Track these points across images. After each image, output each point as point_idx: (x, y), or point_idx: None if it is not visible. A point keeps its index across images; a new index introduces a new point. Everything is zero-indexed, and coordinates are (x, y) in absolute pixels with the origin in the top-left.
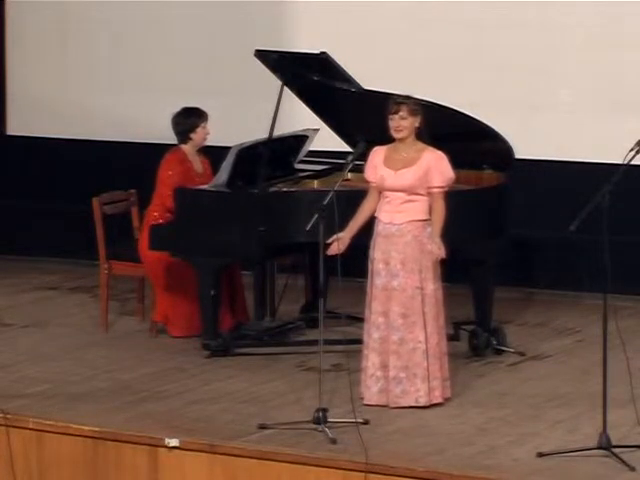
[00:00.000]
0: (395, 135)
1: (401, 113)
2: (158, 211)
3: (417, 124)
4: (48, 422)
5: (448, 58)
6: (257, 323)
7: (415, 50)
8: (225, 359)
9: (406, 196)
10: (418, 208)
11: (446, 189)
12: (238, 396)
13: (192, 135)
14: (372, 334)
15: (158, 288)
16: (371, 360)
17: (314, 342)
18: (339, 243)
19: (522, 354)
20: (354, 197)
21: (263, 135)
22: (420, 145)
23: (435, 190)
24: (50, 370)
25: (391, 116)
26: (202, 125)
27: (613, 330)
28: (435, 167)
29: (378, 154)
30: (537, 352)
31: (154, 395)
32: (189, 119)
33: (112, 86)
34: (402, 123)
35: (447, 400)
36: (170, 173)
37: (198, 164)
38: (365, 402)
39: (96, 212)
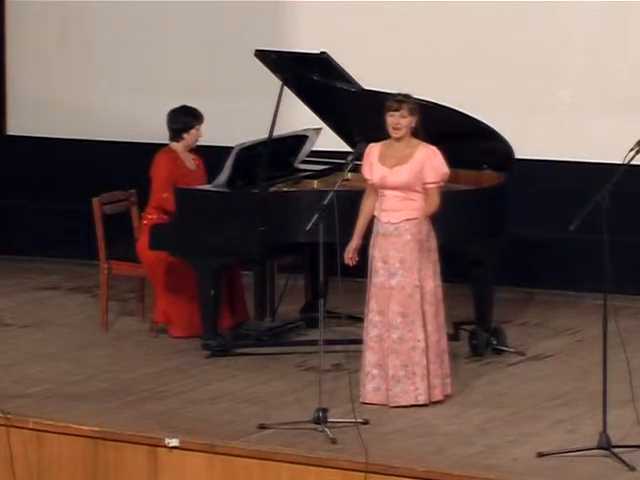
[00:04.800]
0: (394, 133)
1: (402, 111)
2: (155, 213)
3: (414, 124)
4: (48, 422)
5: (448, 58)
6: (257, 323)
7: (415, 50)
8: (225, 359)
9: (403, 194)
10: (415, 206)
11: (441, 184)
12: (238, 396)
13: (185, 135)
14: (369, 332)
15: (158, 288)
16: (367, 358)
17: (314, 342)
18: (354, 254)
19: (522, 354)
20: (354, 197)
21: (263, 135)
22: (414, 141)
23: (430, 186)
24: (50, 370)
25: (391, 113)
26: (196, 127)
27: (613, 330)
28: (429, 163)
29: (373, 151)
30: (537, 352)
31: (154, 395)
32: (186, 118)
33: (112, 86)
34: (402, 121)
35: (447, 397)
36: (163, 174)
37: (190, 162)
38: (361, 400)
39: (96, 212)
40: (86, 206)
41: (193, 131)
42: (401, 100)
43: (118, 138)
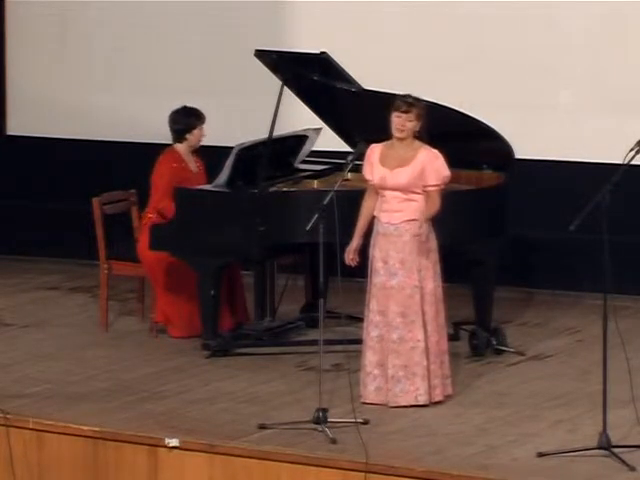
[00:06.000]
0: (397, 134)
1: (409, 115)
2: (154, 214)
3: (417, 128)
4: (48, 422)
5: (448, 58)
6: (257, 323)
7: (415, 50)
8: (225, 359)
9: (403, 195)
10: (416, 207)
11: (442, 187)
12: (238, 396)
13: (188, 135)
14: (370, 332)
15: (158, 288)
16: (368, 358)
17: (314, 342)
18: (355, 255)
19: (522, 354)
20: (354, 197)
21: (263, 135)
22: (416, 144)
23: (431, 189)
24: (50, 370)
25: (398, 114)
26: (199, 127)
27: (613, 330)
28: (430, 166)
29: (374, 152)
30: (537, 352)
31: (154, 395)
32: (188, 119)
33: (112, 86)
34: (407, 124)
35: (448, 397)
36: (165, 179)
37: (193, 164)
38: (362, 400)
39: (96, 212)
40: (86, 206)
41: (196, 131)
42: (411, 103)
43: (118, 138)
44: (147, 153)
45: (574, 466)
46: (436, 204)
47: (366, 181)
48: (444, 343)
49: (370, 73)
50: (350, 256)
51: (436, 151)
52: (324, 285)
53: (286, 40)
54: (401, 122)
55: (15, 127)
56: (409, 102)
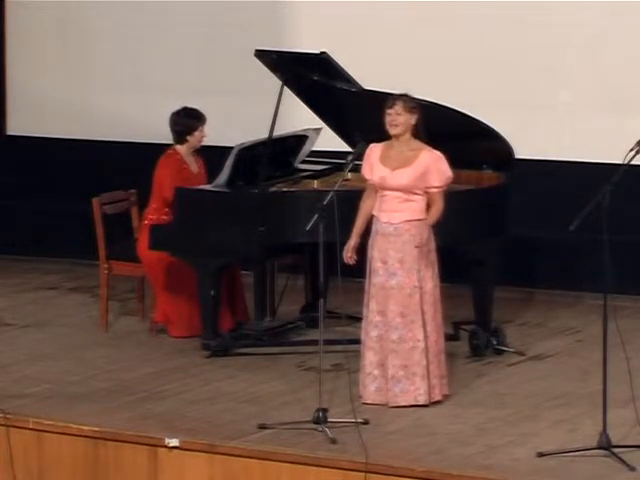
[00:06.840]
0: (391, 130)
1: (396, 108)
2: (156, 214)
3: (413, 121)
4: (48, 422)
5: (448, 58)
6: (257, 323)
7: (415, 50)
8: (225, 359)
9: (403, 195)
10: (415, 207)
11: (445, 188)
12: (238, 396)
13: (189, 137)
14: (369, 332)
15: (158, 288)
16: (368, 359)
17: (314, 342)
18: (353, 253)
19: (522, 354)
20: (354, 197)
21: (263, 135)
22: (417, 144)
23: (434, 190)
24: (50, 370)
25: (388, 111)
26: (200, 128)
27: (613, 330)
28: (433, 167)
29: (374, 151)
30: (537, 352)
31: (154, 395)
32: (189, 120)
33: (112, 86)
34: (398, 119)
35: (445, 397)
36: (167, 180)
37: (193, 165)
38: (362, 401)
39: (96, 212)
40: (86, 206)
41: (196, 133)
42: (395, 97)
43: (118, 138)
44: (147, 153)
45: (574, 466)
46: (440, 207)
47: (365, 181)
48: (441, 343)
49: (370, 73)
50: (348, 254)
51: (439, 153)
52: (324, 285)
53: (286, 40)
54: (392, 118)
55: (15, 127)
56: (393, 97)
